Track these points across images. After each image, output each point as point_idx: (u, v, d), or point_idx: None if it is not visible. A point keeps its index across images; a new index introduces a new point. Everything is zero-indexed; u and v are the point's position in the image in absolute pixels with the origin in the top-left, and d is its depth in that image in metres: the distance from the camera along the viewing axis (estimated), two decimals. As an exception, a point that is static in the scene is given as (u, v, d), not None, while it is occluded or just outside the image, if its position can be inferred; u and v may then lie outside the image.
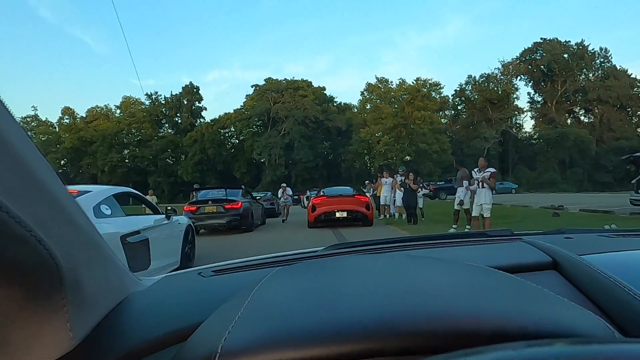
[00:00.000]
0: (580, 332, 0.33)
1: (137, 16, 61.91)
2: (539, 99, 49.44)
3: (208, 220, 10.16)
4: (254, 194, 19.54)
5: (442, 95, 46.27)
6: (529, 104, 49.77)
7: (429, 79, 44.93)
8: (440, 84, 45.41)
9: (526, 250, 0.68)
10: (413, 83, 44.09)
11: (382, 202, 12.47)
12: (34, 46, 69.90)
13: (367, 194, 17.97)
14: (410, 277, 0.48)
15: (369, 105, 47.68)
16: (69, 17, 69.30)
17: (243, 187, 12.60)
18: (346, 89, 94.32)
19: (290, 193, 13.56)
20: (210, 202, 10.41)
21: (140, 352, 0.48)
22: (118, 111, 53.04)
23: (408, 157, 39.79)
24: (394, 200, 11.67)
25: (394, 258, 0.67)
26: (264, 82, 48.52)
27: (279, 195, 13.68)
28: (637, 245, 0.75)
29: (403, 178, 10.74)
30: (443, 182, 28.75)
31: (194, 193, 12.12)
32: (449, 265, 0.54)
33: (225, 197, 10.51)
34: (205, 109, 54.89)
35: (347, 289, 0.43)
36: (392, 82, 46.10)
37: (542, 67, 47.10)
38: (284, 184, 14.05)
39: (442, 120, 47.37)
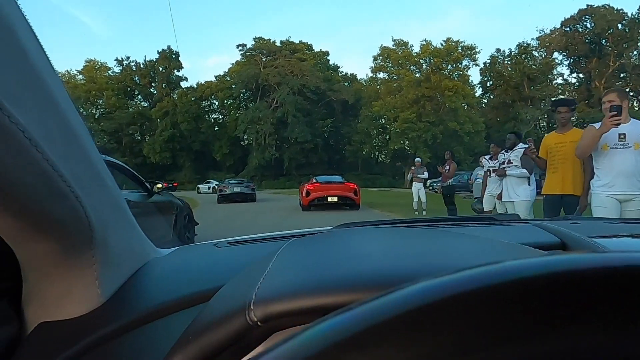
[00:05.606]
0: None
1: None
2: (574, 81, 41.74)
3: None
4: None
5: (476, 61, 37.64)
6: (561, 86, 42.00)
7: (462, 41, 36.32)
8: (475, 48, 36.61)
9: (534, 232, 0.68)
10: (442, 45, 35.49)
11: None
12: None
13: (416, 185, 9.88)
14: (431, 242, 0.49)
15: (382, 74, 38.98)
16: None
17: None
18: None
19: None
20: None
21: (163, 311, 0.49)
22: (80, 77, 44.55)
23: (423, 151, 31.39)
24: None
25: (409, 230, 0.66)
26: (254, 43, 39.69)
27: None
28: None
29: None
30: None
31: None
32: (466, 236, 0.55)
33: None
34: (186, 78, 46.45)
35: (373, 249, 0.44)
36: (412, 45, 37.52)
37: (586, 39, 38.95)
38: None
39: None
